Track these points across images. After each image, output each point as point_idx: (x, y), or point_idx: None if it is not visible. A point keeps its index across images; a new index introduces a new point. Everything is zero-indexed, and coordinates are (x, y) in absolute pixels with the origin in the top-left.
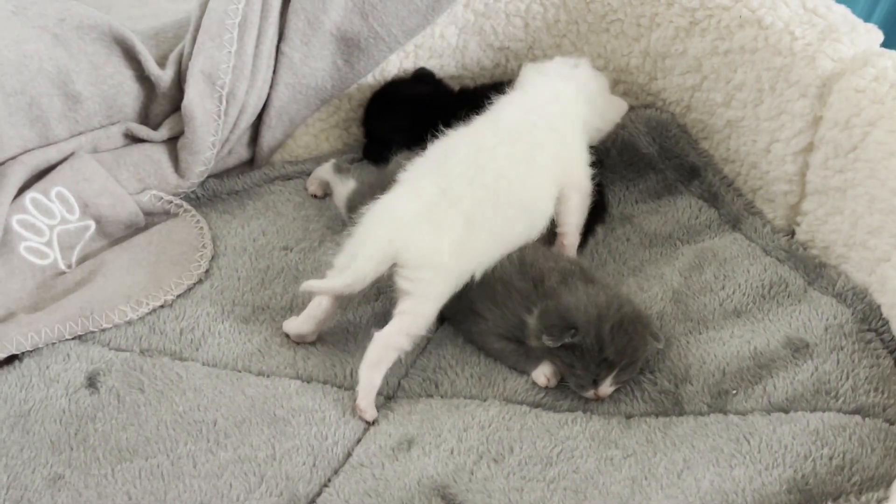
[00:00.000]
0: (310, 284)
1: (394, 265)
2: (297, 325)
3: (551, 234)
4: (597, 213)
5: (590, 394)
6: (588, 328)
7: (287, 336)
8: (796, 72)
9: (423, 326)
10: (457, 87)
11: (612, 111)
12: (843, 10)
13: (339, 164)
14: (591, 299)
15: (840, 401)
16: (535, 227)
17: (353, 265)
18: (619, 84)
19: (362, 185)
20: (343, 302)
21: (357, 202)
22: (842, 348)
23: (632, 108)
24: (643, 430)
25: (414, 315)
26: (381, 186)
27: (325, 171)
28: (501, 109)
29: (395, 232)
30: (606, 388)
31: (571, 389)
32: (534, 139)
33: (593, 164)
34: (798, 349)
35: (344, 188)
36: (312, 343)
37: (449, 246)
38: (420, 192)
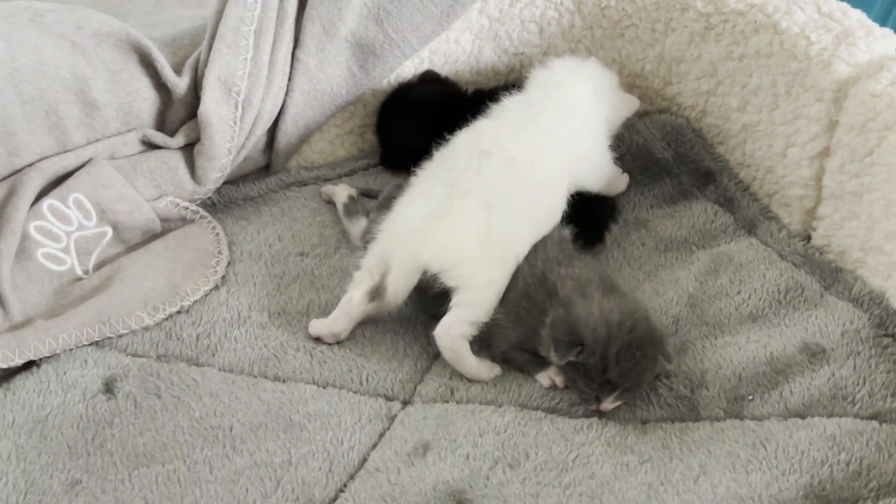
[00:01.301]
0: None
1: (426, 272)
2: (329, 324)
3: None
4: (609, 211)
5: (594, 407)
6: (594, 347)
7: (310, 339)
8: (812, 76)
9: (483, 313)
10: (471, 90)
11: (622, 106)
12: (858, 14)
13: (347, 207)
14: (604, 315)
15: (857, 406)
16: (554, 210)
17: (387, 285)
18: (633, 89)
19: (372, 221)
20: (373, 295)
21: (371, 236)
22: (858, 353)
23: (647, 114)
24: (659, 435)
25: (470, 304)
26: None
27: (338, 204)
28: (504, 103)
29: (414, 244)
30: (609, 404)
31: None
32: (540, 125)
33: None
34: (814, 354)
35: (356, 228)
36: (329, 347)
37: (474, 236)
38: (429, 194)
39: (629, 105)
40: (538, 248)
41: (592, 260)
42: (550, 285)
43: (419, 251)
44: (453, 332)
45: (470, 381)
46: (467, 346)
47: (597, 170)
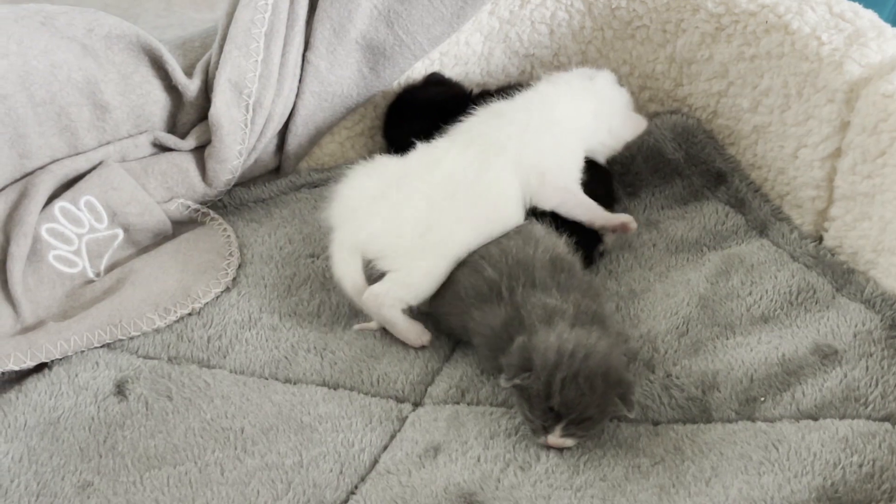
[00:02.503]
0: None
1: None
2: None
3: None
4: (607, 202)
5: (542, 440)
6: (540, 373)
7: (313, 345)
8: (823, 77)
9: (414, 296)
10: (478, 90)
11: (626, 129)
12: (870, 14)
13: None
14: (557, 342)
15: (869, 408)
16: (501, 219)
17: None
18: (644, 90)
19: None
20: None
21: None
22: (871, 355)
23: (657, 115)
24: (671, 437)
25: (403, 285)
26: None
27: None
28: (476, 116)
29: (354, 222)
30: (557, 437)
31: None
32: (492, 143)
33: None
34: (826, 356)
35: None
36: (339, 348)
37: (413, 228)
38: (375, 176)
39: (634, 127)
40: (526, 270)
41: (587, 286)
42: (524, 317)
43: (358, 231)
44: (381, 300)
45: (479, 384)
46: (397, 312)
47: (548, 192)
